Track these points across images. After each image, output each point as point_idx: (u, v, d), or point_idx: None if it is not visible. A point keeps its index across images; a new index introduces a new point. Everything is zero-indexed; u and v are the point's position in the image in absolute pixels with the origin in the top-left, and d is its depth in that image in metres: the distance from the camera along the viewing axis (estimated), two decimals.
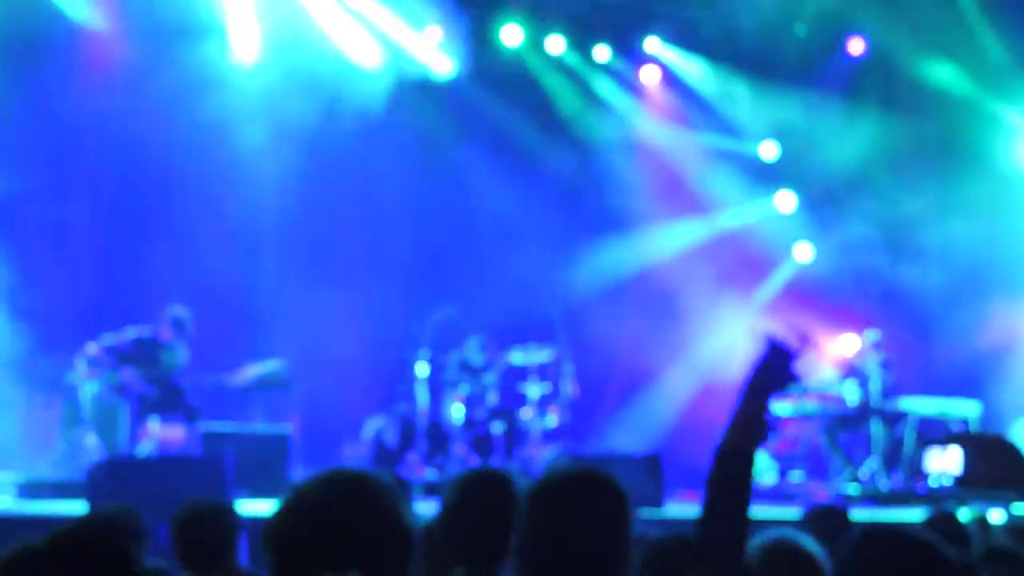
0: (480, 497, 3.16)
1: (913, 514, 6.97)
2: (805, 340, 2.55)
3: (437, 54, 12.45)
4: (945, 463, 9.70)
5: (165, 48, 11.32)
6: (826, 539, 3.72)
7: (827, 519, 4.94)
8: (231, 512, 4.25)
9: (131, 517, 4.39)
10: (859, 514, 8.46)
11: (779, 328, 2.59)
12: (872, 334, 11.45)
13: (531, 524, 2.50)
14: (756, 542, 3.04)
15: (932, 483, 9.77)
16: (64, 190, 11.84)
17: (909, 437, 10.77)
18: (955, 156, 12.50)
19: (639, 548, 3.23)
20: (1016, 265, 12.26)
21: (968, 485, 9.25)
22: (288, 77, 11.60)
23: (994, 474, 9.33)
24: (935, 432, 10.66)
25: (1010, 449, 9.66)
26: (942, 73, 12.59)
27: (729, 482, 2.45)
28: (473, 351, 11.27)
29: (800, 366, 2.55)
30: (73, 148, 11.91)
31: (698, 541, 2.49)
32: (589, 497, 2.50)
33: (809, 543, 2.96)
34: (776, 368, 2.52)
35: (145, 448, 9.90)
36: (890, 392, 11.29)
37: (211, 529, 4.09)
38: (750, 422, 2.48)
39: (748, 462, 2.46)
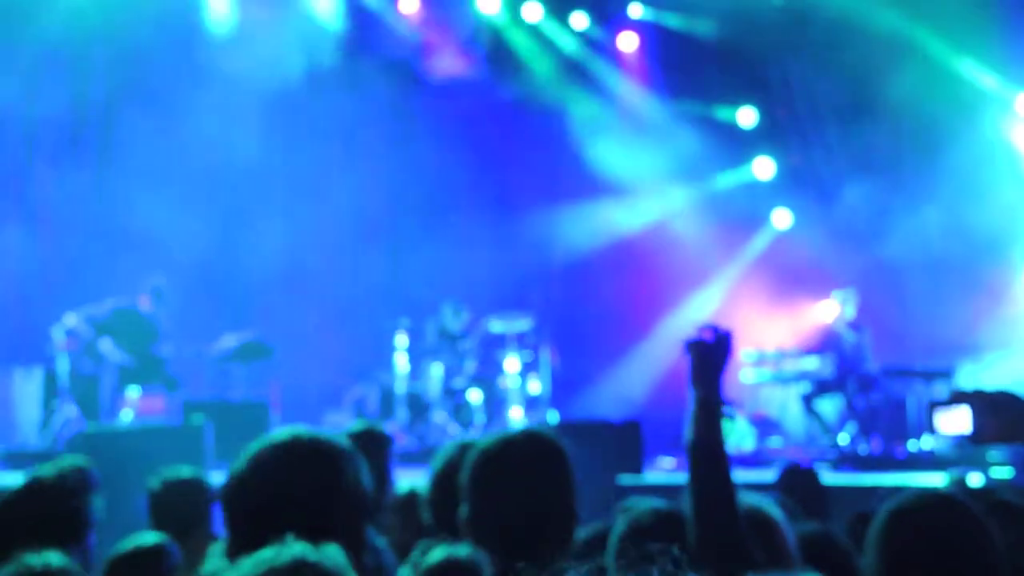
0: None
1: (891, 479, 7.05)
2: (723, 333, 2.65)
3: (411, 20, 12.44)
4: (955, 423, 9.69)
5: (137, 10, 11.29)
6: (798, 498, 4.10)
7: (797, 479, 5.14)
8: (204, 482, 4.27)
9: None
10: (837, 479, 8.57)
11: (695, 329, 2.67)
12: (840, 295, 11.49)
13: (473, 490, 2.58)
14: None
15: (941, 444, 9.73)
16: (40, 158, 11.75)
17: (910, 401, 10.80)
18: (933, 122, 12.48)
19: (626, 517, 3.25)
20: (994, 232, 12.28)
21: (980, 442, 9.23)
22: (264, 40, 11.53)
23: (1004, 429, 9.34)
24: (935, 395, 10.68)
25: (1018, 403, 9.66)
26: (919, 38, 12.56)
27: (709, 474, 2.54)
28: (449, 317, 11.27)
29: (730, 342, 2.65)
30: (48, 118, 11.83)
31: (698, 530, 2.55)
32: (524, 458, 2.57)
33: (775, 511, 3.01)
34: (708, 358, 2.60)
35: (124, 418, 9.89)
36: (867, 357, 11.34)
37: (185, 498, 4.11)
38: (708, 414, 2.57)
39: (719, 449, 2.55)
